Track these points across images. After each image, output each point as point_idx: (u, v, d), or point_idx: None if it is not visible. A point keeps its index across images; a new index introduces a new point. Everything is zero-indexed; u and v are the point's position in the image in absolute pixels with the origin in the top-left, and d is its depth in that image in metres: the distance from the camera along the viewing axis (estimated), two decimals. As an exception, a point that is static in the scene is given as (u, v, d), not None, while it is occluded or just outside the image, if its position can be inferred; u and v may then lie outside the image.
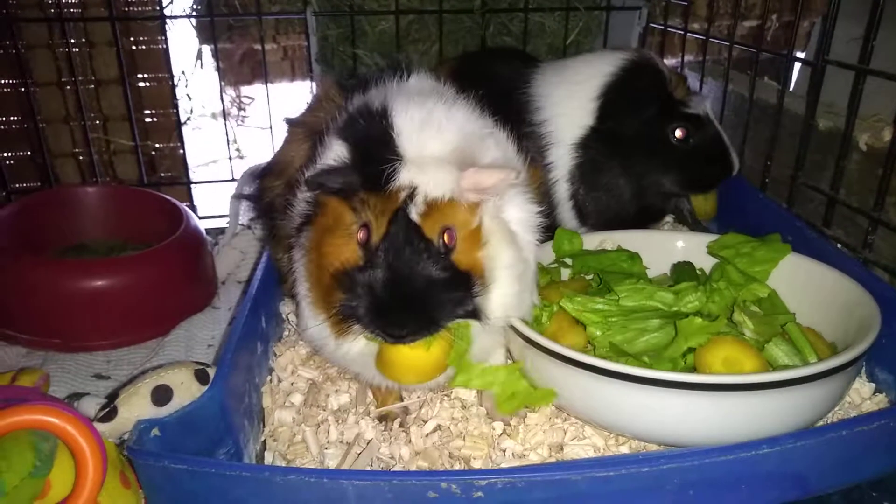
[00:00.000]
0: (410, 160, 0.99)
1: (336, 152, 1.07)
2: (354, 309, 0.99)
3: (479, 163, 1.03)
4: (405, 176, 0.98)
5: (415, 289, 0.97)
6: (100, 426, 1.00)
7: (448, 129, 1.05)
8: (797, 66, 2.15)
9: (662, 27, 2.42)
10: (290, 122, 1.38)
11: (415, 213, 0.98)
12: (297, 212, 1.17)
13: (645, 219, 1.76)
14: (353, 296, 0.99)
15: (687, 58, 2.38)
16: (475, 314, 1.03)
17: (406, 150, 1.00)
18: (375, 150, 1.01)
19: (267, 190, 1.38)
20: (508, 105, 1.68)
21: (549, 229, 1.45)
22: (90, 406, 1.08)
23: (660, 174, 1.69)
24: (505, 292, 1.06)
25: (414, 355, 1.01)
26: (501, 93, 1.71)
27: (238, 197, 2.09)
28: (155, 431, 0.96)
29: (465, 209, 1.01)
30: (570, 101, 1.68)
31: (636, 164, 1.68)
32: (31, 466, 0.79)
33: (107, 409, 1.03)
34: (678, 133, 1.65)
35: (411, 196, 0.98)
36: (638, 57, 1.71)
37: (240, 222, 2.10)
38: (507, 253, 1.05)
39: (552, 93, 1.71)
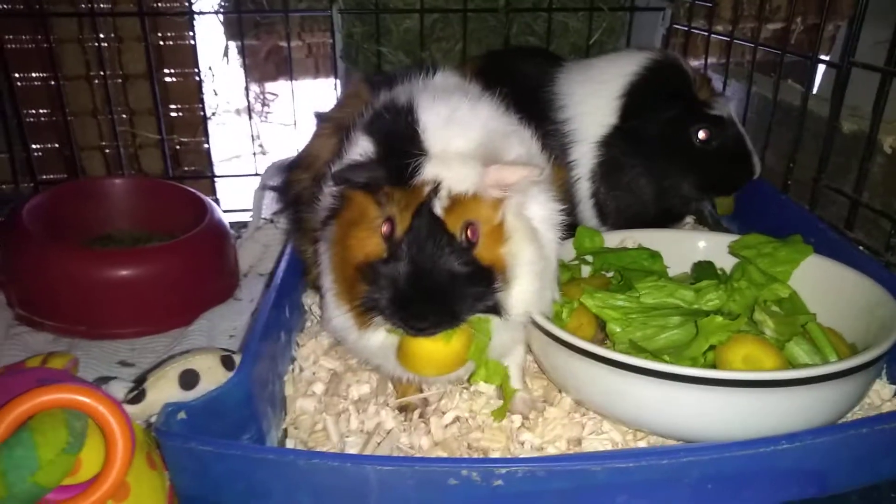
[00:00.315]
0: (435, 155, 1.00)
1: (362, 147, 1.08)
2: (377, 301, 1.01)
3: (502, 159, 1.04)
4: (429, 171, 0.99)
5: (437, 282, 0.98)
6: (128, 408, 1.02)
7: (473, 125, 1.06)
8: (821, 68, 2.14)
9: (686, 28, 2.41)
10: (319, 116, 1.40)
11: (438, 208, 0.98)
12: (322, 205, 1.18)
13: (665, 219, 1.76)
14: (376, 288, 1.00)
15: (710, 59, 2.37)
16: (496, 309, 1.04)
17: (431, 145, 1.02)
18: (400, 146, 1.02)
19: (294, 182, 1.39)
20: (533, 103, 1.69)
21: (571, 227, 1.46)
22: (118, 390, 1.09)
23: (681, 175, 1.69)
24: (525, 289, 1.06)
25: (434, 348, 1.02)
26: (526, 91, 1.71)
27: (263, 188, 2.11)
28: (182, 414, 0.98)
29: (489, 205, 1.02)
30: (593, 99, 1.69)
31: (658, 164, 1.68)
32: (64, 443, 0.81)
33: (135, 392, 1.05)
34: (701, 134, 1.65)
35: (435, 190, 0.99)
36: (662, 57, 1.71)
37: (262, 216, 2.13)
38: (529, 250, 1.06)
39: (576, 91, 1.71)
